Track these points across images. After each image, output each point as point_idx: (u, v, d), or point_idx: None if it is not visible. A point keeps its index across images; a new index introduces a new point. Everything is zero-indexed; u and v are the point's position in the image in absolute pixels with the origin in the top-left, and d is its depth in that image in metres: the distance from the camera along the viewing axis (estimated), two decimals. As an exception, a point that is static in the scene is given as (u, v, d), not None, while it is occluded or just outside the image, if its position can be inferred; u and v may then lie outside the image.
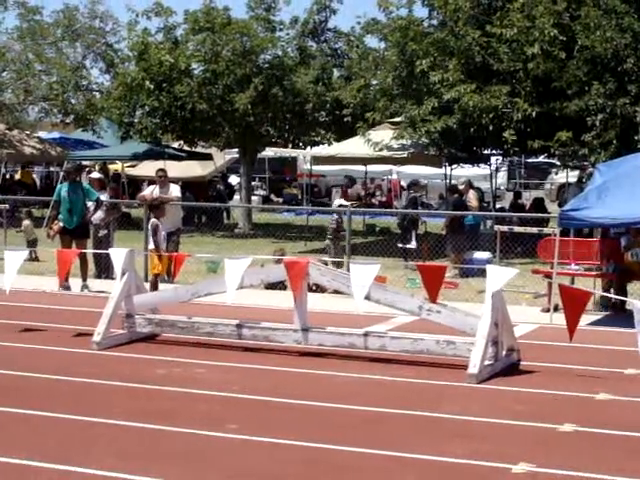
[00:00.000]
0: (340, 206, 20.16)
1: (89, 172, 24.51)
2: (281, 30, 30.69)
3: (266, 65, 28.73)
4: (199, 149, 32.15)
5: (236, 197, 35.35)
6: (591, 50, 20.48)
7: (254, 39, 28.10)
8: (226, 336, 11.12)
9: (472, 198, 21.55)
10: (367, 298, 10.43)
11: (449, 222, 19.79)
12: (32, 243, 20.41)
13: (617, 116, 20.30)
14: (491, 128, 21.41)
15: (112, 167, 38.73)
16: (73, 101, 33.04)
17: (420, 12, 24.61)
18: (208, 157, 33.28)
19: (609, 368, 10.21)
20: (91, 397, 8.94)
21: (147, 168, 33.72)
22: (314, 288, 14.26)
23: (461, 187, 21.78)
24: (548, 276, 14.00)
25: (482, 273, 17.50)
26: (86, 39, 33.99)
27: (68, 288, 15.53)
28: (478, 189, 28.15)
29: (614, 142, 20.27)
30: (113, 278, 13.86)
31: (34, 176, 41.09)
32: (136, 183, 35.41)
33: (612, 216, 12.87)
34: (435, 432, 7.90)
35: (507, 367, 10.08)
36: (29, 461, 6.93)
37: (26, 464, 6.89)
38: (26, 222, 21.59)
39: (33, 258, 19.86)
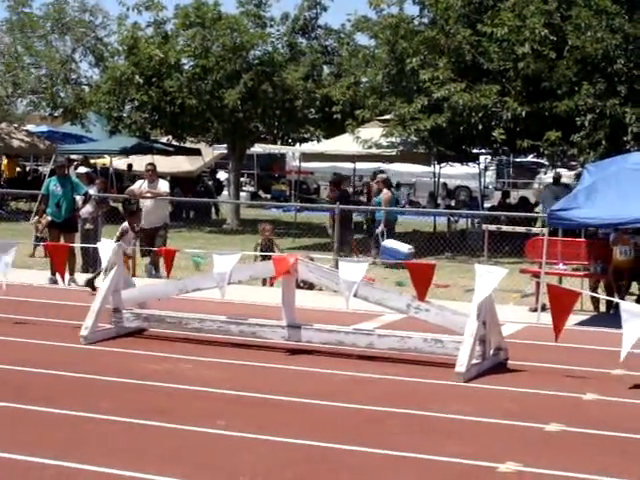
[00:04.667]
0: None
1: (77, 167, 24.36)
2: (271, 26, 30.72)
3: (256, 61, 28.70)
4: (188, 144, 32.09)
5: (225, 193, 35.29)
6: (581, 50, 20.53)
7: (244, 35, 28.06)
8: (214, 332, 11.10)
9: (384, 198, 21.14)
10: (355, 295, 10.43)
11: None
12: (43, 239, 20.30)
13: (606, 116, 20.35)
14: (480, 127, 21.45)
15: (100, 161, 38.58)
16: (62, 94, 32.94)
17: (411, 10, 24.79)
18: (196, 152, 33.22)
19: (596, 368, 10.22)
20: (79, 392, 8.90)
21: (135, 163, 33.69)
22: (302, 285, 14.26)
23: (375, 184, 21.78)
24: (536, 275, 14.02)
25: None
26: (76, 32, 33.81)
27: (55, 282, 15.49)
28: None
29: (603, 142, 20.32)
30: (100, 272, 13.82)
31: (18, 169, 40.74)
32: (124, 178, 35.29)
33: (601, 217, 12.89)
34: (422, 430, 7.90)
35: (494, 366, 10.09)
36: (21, 456, 6.88)
37: (18, 459, 6.84)
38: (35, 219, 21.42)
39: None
